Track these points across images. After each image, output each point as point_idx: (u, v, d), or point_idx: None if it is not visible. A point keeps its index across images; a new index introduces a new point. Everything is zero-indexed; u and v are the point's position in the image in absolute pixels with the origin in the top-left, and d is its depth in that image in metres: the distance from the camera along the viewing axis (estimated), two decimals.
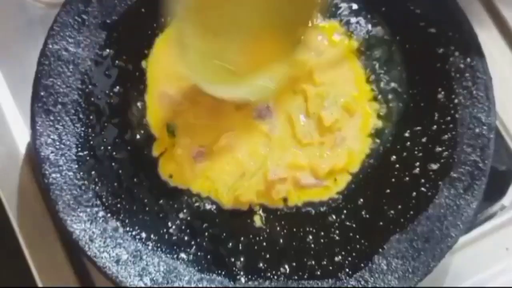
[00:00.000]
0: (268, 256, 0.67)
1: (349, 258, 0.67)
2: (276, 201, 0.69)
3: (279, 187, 0.69)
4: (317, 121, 0.71)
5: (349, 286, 0.66)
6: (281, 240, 0.68)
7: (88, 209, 0.67)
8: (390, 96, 0.73)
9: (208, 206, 0.69)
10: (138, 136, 0.70)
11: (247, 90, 0.68)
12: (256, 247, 0.68)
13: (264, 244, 0.68)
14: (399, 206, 0.69)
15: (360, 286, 0.66)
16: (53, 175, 0.67)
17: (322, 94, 0.72)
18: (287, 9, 0.68)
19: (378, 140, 0.71)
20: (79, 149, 0.68)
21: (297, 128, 0.71)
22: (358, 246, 0.68)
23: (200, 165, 0.69)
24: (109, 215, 0.67)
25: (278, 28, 0.69)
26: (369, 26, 0.75)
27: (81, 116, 0.70)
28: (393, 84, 0.73)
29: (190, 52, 0.66)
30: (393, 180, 0.70)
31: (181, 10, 0.64)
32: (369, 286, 0.66)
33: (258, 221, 0.69)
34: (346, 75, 0.73)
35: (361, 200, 0.69)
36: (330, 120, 0.71)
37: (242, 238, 0.68)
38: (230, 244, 0.68)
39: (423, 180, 0.69)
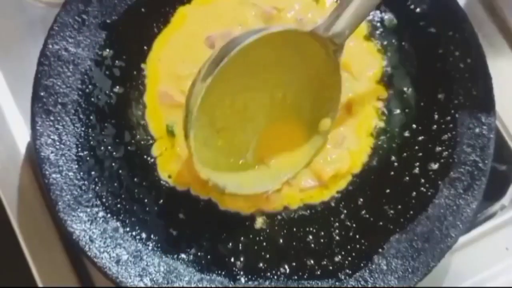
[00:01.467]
0: (268, 256, 0.67)
1: (349, 258, 0.67)
2: (275, 206, 0.69)
3: (276, 195, 0.69)
4: None
5: (349, 286, 0.66)
6: (281, 240, 0.68)
7: (88, 209, 0.67)
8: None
9: (208, 207, 0.68)
10: (138, 136, 0.70)
11: (269, 182, 0.68)
12: (256, 247, 0.68)
13: (264, 244, 0.68)
14: (399, 206, 0.69)
15: (360, 286, 0.66)
16: (53, 175, 0.67)
17: None
18: (305, 101, 0.68)
19: (378, 140, 0.71)
20: (79, 149, 0.68)
21: None
22: (358, 246, 0.68)
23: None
24: (109, 215, 0.67)
25: (297, 121, 0.69)
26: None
27: (81, 116, 0.70)
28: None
29: (205, 154, 0.65)
30: (393, 180, 0.70)
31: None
32: (369, 286, 0.66)
33: (258, 221, 0.69)
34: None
35: (361, 200, 0.69)
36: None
37: (242, 238, 0.68)
38: (230, 244, 0.68)
39: (423, 180, 0.69)
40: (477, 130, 0.70)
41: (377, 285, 0.66)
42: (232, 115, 0.66)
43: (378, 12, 0.74)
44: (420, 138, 0.71)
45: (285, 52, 0.64)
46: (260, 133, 0.68)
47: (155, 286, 0.65)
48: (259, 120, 0.68)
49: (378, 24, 0.74)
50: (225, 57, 0.59)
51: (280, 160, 0.68)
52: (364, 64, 0.73)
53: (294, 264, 0.67)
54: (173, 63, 0.71)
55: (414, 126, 0.72)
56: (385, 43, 0.74)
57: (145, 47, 0.72)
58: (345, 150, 0.70)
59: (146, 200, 0.68)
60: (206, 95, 0.59)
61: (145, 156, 0.70)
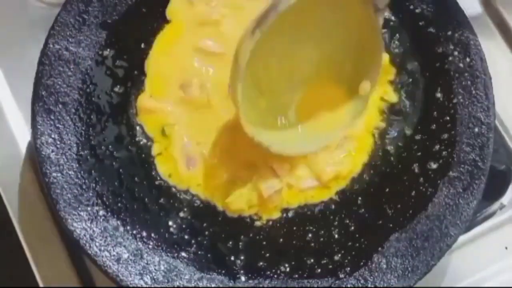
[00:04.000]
0: (268, 255, 0.68)
1: (349, 257, 0.67)
2: (272, 209, 0.69)
3: (275, 197, 0.69)
4: None
5: (348, 285, 0.66)
6: (281, 239, 0.68)
7: (89, 208, 0.67)
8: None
9: (208, 205, 0.69)
10: (138, 136, 0.70)
11: (311, 144, 0.69)
12: (256, 246, 0.68)
13: (264, 243, 0.68)
14: (399, 205, 0.69)
15: (359, 285, 0.66)
16: (54, 174, 0.67)
17: None
18: (346, 61, 0.68)
19: (378, 139, 0.71)
20: (80, 148, 0.69)
21: None
22: (357, 245, 0.68)
23: (193, 169, 0.69)
24: (109, 214, 0.67)
25: (338, 82, 0.69)
26: None
27: (81, 115, 0.70)
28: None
29: (252, 114, 0.65)
30: (392, 179, 0.70)
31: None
32: (369, 285, 0.66)
33: (258, 220, 0.69)
34: None
35: (360, 199, 0.70)
36: None
37: (242, 237, 0.68)
38: (230, 243, 0.68)
39: (422, 179, 0.70)
40: (476, 129, 0.70)
41: (377, 284, 0.66)
42: (276, 75, 0.67)
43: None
44: (420, 137, 0.71)
45: (328, 10, 0.65)
46: (303, 93, 0.69)
47: (156, 284, 0.65)
48: (301, 79, 0.68)
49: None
50: (273, 12, 0.60)
51: (321, 121, 0.69)
52: None
53: (294, 263, 0.67)
54: (173, 62, 0.72)
55: (413, 125, 0.72)
56: (385, 44, 0.74)
57: (146, 47, 0.72)
58: (346, 150, 0.71)
59: (146, 199, 0.68)
60: (253, 51, 0.61)
61: (145, 155, 0.70)
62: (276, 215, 0.69)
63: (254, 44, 0.60)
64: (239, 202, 0.68)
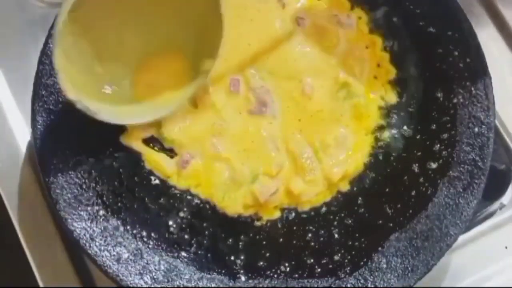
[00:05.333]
0: (268, 254, 0.68)
1: (349, 257, 0.67)
2: (272, 209, 0.69)
3: (273, 198, 0.69)
4: None
5: (348, 284, 0.66)
6: (281, 239, 0.68)
7: (89, 208, 0.67)
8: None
9: (208, 205, 0.69)
10: None
11: (144, 115, 0.68)
12: (256, 246, 0.68)
13: (264, 242, 0.68)
14: (399, 205, 0.69)
15: (359, 284, 0.66)
16: (54, 174, 0.67)
17: None
18: (188, 39, 0.68)
19: (378, 139, 0.71)
20: (80, 148, 0.68)
21: None
22: (357, 244, 0.68)
23: (189, 170, 0.69)
24: (109, 213, 0.67)
25: (180, 57, 0.69)
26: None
27: (81, 115, 0.69)
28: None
29: (75, 75, 0.64)
30: (392, 179, 0.70)
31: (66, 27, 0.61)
32: (369, 284, 0.66)
33: (258, 220, 0.69)
34: None
35: (361, 198, 0.70)
36: None
37: (242, 237, 0.68)
38: (230, 242, 0.68)
39: (422, 179, 0.70)
40: (476, 129, 0.70)
41: (377, 284, 0.66)
42: (111, 44, 0.67)
43: (378, 12, 0.74)
44: (420, 137, 0.71)
45: None
46: (140, 66, 0.69)
47: (156, 284, 0.65)
48: (139, 51, 0.68)
49: (380, 24, 0.74)
50: None
51: (158, 93, 0.68)
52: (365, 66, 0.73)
53: (294, 262, 0.67)
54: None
55: (413, 125, 0.72)
56: (385, 43, 0.74)
57: None
58: (346, 150, 0.71)
59: (146, 199, 0.68)
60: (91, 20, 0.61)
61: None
62: (276, 215, 0.69)
63: (71, 6, 0.59)
64: (234, 205, 0.68)
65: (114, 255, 0.65)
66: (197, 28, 0.68)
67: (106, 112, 0.65)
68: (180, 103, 0.68)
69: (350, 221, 0.69)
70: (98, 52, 0.66)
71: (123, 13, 0.66)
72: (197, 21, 0.67)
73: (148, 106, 0.68)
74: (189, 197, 0.69)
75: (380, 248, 0.67)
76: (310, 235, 0.69)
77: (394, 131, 0.72)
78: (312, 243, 0.68)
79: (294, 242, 0.68)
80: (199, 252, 0.67)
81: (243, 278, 0.67)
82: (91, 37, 0.65)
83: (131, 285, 0.65)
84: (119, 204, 0.68)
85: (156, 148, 0.70)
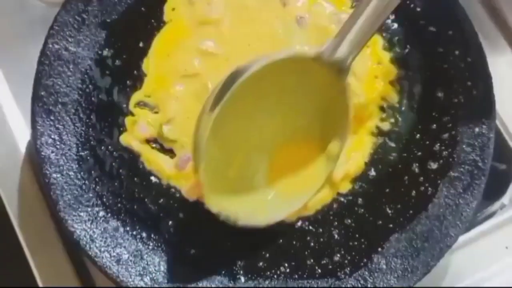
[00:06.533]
0: (267, 255, 0.68)
1: (349, 257, 0.67)
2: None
3: None
4: None
5: (348, 285, 0.66)
6: (281, 239, 0.68)
7: (89, 209, 0.67)
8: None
9: (207, 206, 0.68)
10: None
11: (283, 210, 0.67)
12: (255, 246, 0.68)
13: (264, 243, 0.68)
14: (399, 205, 0.69)
15: (359, 285, 0.66)
16: (54, 175, 0.67)
17: None
18: (314, 123, 0.67)
19: (378, 139, 0.71)
20: (80, 148, 0.69)
21: None
22: (357, 245, 0.68)
23: (189, 170, 0.69)
24: (109, 214, 0.67)
25: (307, 144, 0.68)
26: None
27: (81, 115, 0.70)
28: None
29: (216, 185, 0.63)
30: (392, 179, 0.70)
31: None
32: (368, 285, 0.66)
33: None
34: None
35: (360, 199, 0.70)
36: None
37: (242, 237, 0.68)
38: (230, 243, 0.68)
39: (422, 179, 0.69)
40: (476, 129, 0.70)
41: (377, 285, 0.66)
42: (243, 143, 0.66)
43: None
44: (420, 137, 0.71)
45: (290, 77, 0.64)
46: (271, 157, 0.67)
47: (156, 285, 0.65)
48: (269, 146, 0.67)
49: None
50: (230, 88, 0.59)
51: (291, 185, 0.67)
52: (366, 65, 0.73)
53: (293, 263, 0.67)
54: (172, 62, 0.72)
55: (413, 125, 0.72)
56: (385, 43, 0.74)
57: (145, 47, 0.72)
58: (349, 150, 0.70)
59: (146, 200, 0.68)
60: (214, 127, 0.59)
61: None
62: None
63: (212, 122, 0.59)
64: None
65: (114, 256, 0.65)
66: (323, 112, 0.67)
67: (246, 214, 0.65)
68: (314, 191, 0.68)
69: (350, 222, 0.69)
70: (228, 155, 0.65)
71: (249, 112, 0.65)
72: (322, 106, 0.67)
73: (283, 200, 0.67)
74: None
75: (380, 249, 0.67)
76: (310, 235, 0.68)
77: (394, 131, 0.71)
78: (312, 244, 0.68)
79: (294, 242, 0.68)
80: (199, 253, 0.67)
81: (242, 279, 0.67)
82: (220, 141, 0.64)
83: (131, 286, 0.65)
84: (119, 205, 0.68)
85: (156, 149, 0.70)
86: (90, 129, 0.69)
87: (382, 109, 0.72)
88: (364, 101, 0.72)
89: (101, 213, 0.67)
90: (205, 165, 0.61)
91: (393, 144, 0.71)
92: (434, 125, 0.71)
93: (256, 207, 0.66)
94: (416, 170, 0.70)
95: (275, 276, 0.67)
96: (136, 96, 0.71)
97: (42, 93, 0.68)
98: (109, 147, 0.69)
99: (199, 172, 0.61)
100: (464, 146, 0.70)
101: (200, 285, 0.66)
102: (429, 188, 0.69)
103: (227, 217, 0.64)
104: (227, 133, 0.64)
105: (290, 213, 0.68)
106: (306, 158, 0.68)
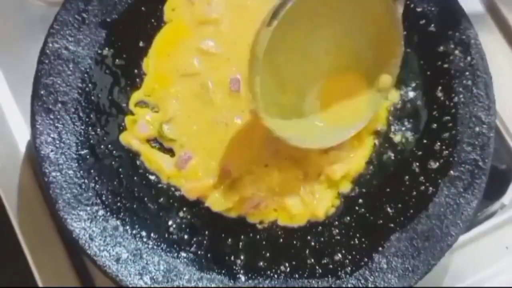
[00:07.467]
0: (268, 254, 0.67)
1: (349, 257, 0.67)
2: (270, 211, 0.69)
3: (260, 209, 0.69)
4: None
5: (349, 285, 0.66)
6: (281, 239, 0.68)
7: (88, 208, 0.67)
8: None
9: (207, 205, 0.68)
10: None
11: (332, 138, 0.68)
12: (256, 246, 0.68)
13: (264, 242, 0.68)
14: (399, 205, 0.69)
15: (360, 284, 0.66)
16: (53, 173, 0.67)
17: None
18: (365, 53, 0.68)
19: (379, 139, 0.71)
20: (79, 147, 0.68)
21: None
22: (358, 244, 0.68)
23: (188, 169, 0.69)
24: (109, 213, 0.67)
25: (357, 73, 0.69)
26: None
27: (81, 114, 0.69)
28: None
29: (271, 109, 0.65)
30: (393, 179, 0.70)
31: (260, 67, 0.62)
32: (369, 284, 0.66)
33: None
34: None
35: (361, 199, 0.69)
36: None
37: (242, 237, 0.68)
38: (230, 242, 0.68)
39: (423, 179, 0.69)
40: (477, 129, 0.70)
41: (377, 284, 0.66)
42: (296, 69, 0.67)
43: None
44: (420, 136, 0.71)
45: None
46: (322, 85, 0.68)
47: (155, 284, 0.65)
48: (320, 74, 0.68)
49: None
50: (287, 3, 0.61)
51: (340, 114, 0.68)
52: None
53: (294, 262, 0.67)
54: (172, 62, 0.72)
55: (414, 125, 0.72)
56: None
57: (145, 46, 0.72)
58: (348, 150, 0.70)
59: (146, 199, 0.68)
60: (270, 42, 0.60)
61: None
62: (276, 215, 0.69)
63: (271, 34, 0.60)
64: (217, 205, 0.68)
65: (113, 255, 0.65)
66: (373, 43, 0.68)
67: (297, 138, 0.65)
68: (363, 122, 0.69)
69: (350, 221, 0.69)
70: (282, 81, 0.67)
71: (302, 36, 0.66)
72: (374, 36, 0.67)
73: (332, 128, 0.68)
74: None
75: (380, 248, 0.67)
76: (310, 235, 0.68)
77: (394, 130, 0.71)
78: (312, 243, 0.68)
79: (294, 242, 0.68)
80: (199, 252, 0.67)
81: (243, 278, 0.66)
82: (273, 65, 0.65)
83: (130, 285, 0.64)
84: (119, 204, 0.68)
85: (156, 148, 0.70)
86: (90, 128, 0.69)
87: (387, 110, 0.72)
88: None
89: (101, 212, 0.67)
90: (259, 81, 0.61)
91: (393, 144, 0.71)
92: (435, 125, 0.71)
93: (307, 132, 0.67)
94: (417, 169, 0.70)
95: (276, 276, 0.67)
96: (136, 96, 0.71)
97: (42, 92, 0.68)
98: (109, 146, 0.69)
99: (254, 84, 0.62)
100: (464, 146, 0.70)
101: (200, 284, 0.66)
102: (430, 188, 0.69)
103: (279, 136, 0.64)
104: (281, 56, 0.65)
105: (338, 142, 0.68)
106: (356, 89, 0.68)
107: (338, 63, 0.68)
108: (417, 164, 0.70)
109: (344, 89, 0.68)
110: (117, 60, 0.72)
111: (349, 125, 0.68)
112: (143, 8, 0.73)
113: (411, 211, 0.68)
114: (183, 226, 0.68)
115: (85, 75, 0.71)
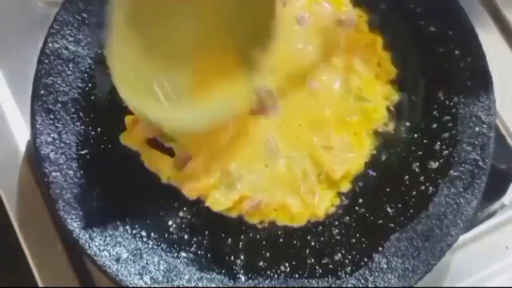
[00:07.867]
0: (268, 254, 0.67)
1: (349, 257, 0.67)
2: (270, 211, 0.69)
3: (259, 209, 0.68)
4: None
5: (349, 285, 0.66)
6: (281, 239, 0.68)
7: (88, 208, 0.67)
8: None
9: (207, 205, 0.68)
10: None
11: (192, 117, 0.64)
12: (256, 246, 0.68)
13: (264, 242, 0.68)
14: (399, 205, 0.69)
15: (360, 284, 0.66)
16: (53, 173, 0.67)
17: None
18: (238, 28, 0.64)
19: (379, 139, 0.71)
20: (79, 147, 0.68)
21: None
22: (358, 244, 0.68)
23: (188, 169, 0.69)
24: (109, 213, 0.67)
25: (229, 49, 0.64)
26: None
27: (81, 114, 0.70)
28: None
29: (127, 69, 0.62)
30: (393, 178, 0.70)
31: (120, 21, 0.60)
32: (369, 285, 0.66)
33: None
34: None
35: (361, 199, 0.69)
36: None
37: (242, 237, 0.68)
38: (230, 242, 0.68)
39: (423, 179, 0.69)
40: (477, 128, 0.70)
41: (377, 284, 0.66)
42: (163, 37, 0.63)
43: (379, 11, 0.74)
44: (420, 136, 0.71)
45: None
46: (194, 69, 0.64)
47: (155, 284, 0.65)
48: (189, 53, 0.64)
49: (380, 24, 0.74)
50: None
51: (215, 94, 0.64)
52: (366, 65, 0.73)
53: (294, 262, 0.67)
54: None
55: (414, 124, 0.72)
56: (385, 43, 0.74)
57: None
58: (347, 149, 0.70)
59: (146, 199, 0.68)
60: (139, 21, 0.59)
61: None
62: (275, 215, 0.69)
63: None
64: (217, 205, 0.68)
65: (113, 255, 0.65)
66: (248, 15, 0.63)
67: (167, 119, 0.63)
68: (241, 105, 0.65)
69: (350, 221, 0.69)
70: (148, 47, 0.63)
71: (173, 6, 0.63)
72: (248, 10, 0.63)
73: (206, 108, 0.64)
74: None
75: (380, 248, 0.67)
76: (310, 235, 0.68)
77: (394, 130, 0.71)
78: (312, 243, 0.68)
79: (294, 242, 0.68)
80: (199, 252, 0.67)
81: (243, 278, 0.66)
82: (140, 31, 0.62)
83: (130, 285, 0.64)
84: (119, 204, 0.68)
85: (156, 148, 0.69)
86: (90, 128, 0.69)
87: (388, 110, 0.72)
88: (374, 105, 0.71)
89: (101, 212, 0.67)
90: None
91: (393, 144, 0.71)
92: (435, 125, 0.71)
93: (176, 112, 0.64)
94: (417, 169, 0.70)
95: (276, 276, 0.67)
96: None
97: (42, 92, 0.68)
98: (109, 146, 0.69)
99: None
100: (464, 145, 0.70)
101: (200, 284, 0.66)
102: (430, 187, 0.69)
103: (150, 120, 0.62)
104: (146, 28, 0.62)
105: (214, 121, 0.65)
106: (228, 66, 0.64)
107: (205, 40, 0.64)
108: (417, 164, 0.70)
109: (216, 68, 0.64)
110: None
111: (224, 105, 0.64)
112: None
113: (411, 211, 0.68)
114: (183, 226, 0.68)
115: (85, 75, 0.71)
